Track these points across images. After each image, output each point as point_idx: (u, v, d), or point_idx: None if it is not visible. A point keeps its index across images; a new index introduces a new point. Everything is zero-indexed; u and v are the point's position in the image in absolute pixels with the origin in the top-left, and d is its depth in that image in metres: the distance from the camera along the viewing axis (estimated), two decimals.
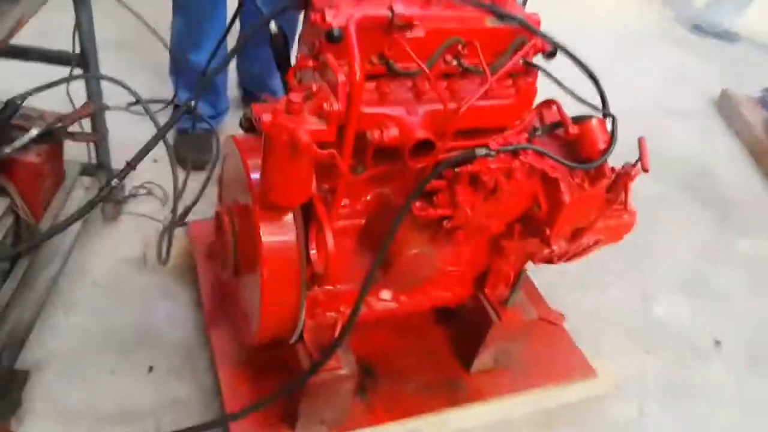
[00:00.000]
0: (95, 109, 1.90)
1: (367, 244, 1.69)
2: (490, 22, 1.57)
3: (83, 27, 1.88)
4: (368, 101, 1.45)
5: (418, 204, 1.58)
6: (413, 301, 1.92)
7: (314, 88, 1.37)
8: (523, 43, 1.57)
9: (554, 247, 1.92)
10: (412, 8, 1.45)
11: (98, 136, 2.01)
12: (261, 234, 1.48)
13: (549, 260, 2.15)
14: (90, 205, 1.51)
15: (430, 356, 2.08)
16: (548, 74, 1.62)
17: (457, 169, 1.54)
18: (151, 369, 2.03)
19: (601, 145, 1.60)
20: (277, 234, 1.49)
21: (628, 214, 2.12)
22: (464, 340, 2.05)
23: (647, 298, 2.74)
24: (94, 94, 2.02)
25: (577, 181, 1.66)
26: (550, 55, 1.70)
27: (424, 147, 1.45)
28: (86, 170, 2.22)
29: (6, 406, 1.65)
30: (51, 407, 1.87)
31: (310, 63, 1.46)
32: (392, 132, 1.43)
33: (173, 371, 2.04)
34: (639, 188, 1.81)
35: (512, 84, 1.63)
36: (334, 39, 1.33)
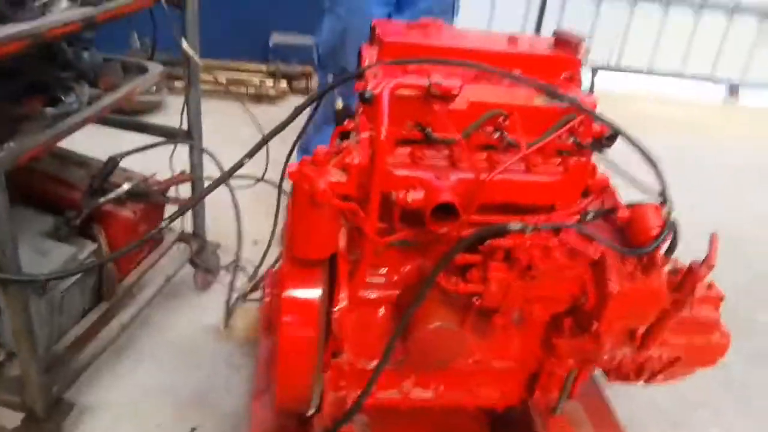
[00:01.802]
0: (191, 177, 2.10)
1: (398, 317, 1.64)
2: (540, 101, 1.56)
3: (191, 105, 2.14)
4: (400, 165, 1.48)
5: (447, 277, 1.52)
6: (452, 395, 1.79)
7: (344, 145, 1.43)
8: (570, 120, 1.53)
9: (616, 354, 1.74)
10: (453, 80, 1.49)
11: (189, 202, 2.21)
12: (283, 288, 1.51)
13: (623, 376, 1.94)
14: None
15: None
16: (603, 156, 1.55)
17: (490, 243, 1.49)
18: (193, 430, 2.05)
19: (654, 231, 1.46)
20: (299, 289, 1.50)
21: (720, 333, 1.89)
22: None
23: None
24: (194, 164, 2.24)
25: (628, 269, 1.51)
26: (610, 138, 1.64)
27: (447, 212, 1.42)
28: (183, 237, 2.42)
29: (46, 430, 1.75)
30: None
31: (351, 125, 1.53)
32: (417, 194, 1.43)
33: None
34: None
35: (560, 163, 1.57)
36: (365, 100, 1.40)
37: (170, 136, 2.19)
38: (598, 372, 1.95)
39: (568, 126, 1.51)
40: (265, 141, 1.66)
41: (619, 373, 1.91)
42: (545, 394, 1.77)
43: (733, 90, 6.20)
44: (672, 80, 6.07)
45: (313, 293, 1.51)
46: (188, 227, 2.48)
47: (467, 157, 1.46)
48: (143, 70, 2.06)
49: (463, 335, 1.54)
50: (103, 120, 1.97)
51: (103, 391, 2.15)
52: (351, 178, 1.37)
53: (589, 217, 1.57)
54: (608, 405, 2.19)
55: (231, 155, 1.58)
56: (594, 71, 1.78)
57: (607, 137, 1.63)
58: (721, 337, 1.90)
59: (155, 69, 2.07)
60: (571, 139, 1.56)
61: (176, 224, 2.43)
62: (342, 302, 1.46)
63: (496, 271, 1.51)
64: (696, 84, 6.07)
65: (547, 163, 1.56)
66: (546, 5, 5.66)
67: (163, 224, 1.58)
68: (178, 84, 4.07)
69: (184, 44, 1.99)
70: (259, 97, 4.42)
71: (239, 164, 1.61)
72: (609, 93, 5.81)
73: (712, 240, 1.63)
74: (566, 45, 1.73)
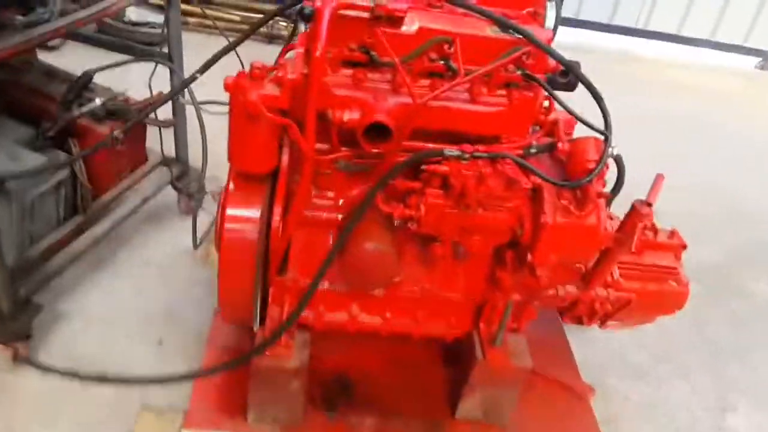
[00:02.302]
0: (167, 97, 2.14)
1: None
2: (492, 32, 1.55)
3: (171, 27, 2.17)
4: (340, 84, 1.49)
5: (386, 201, 1.55)
6: (399, 322, 1.82)
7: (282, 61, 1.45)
8: (515, 52, 1.51)
9: (560, 291, 1.76)
10: (398, 3, 1.49)
11: (170, 122, 2.26)
12: (225, 203, 1.55)
13: (577, 318, 1.95)
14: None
15: (420, 393, 1.95)
16: (545, 87, 1.53)
17: (426, 169, 1.50)
18: (161, 342, 2.14)
19: (590, 165, 1.46)
20: (240, 206, 1.55)
21: (678, 282, 1.88)
22: (455, 381, 1.89)
23: (722, 407, 2.30)
24: (174, 86, 2.28)
25: (563, 203, 1.51)
26: (563, 74, 1.62)
27: (382, 133, 1.44)
28: (165, 161, 2.48)
29: (14, 330, 1.85)
30: (63, 352, 2.05)
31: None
32: (353, 113, 1.44)
33: (179, 349, 2.13)
34: None
35: (506, 94, 1.56)
36: (305, 17, 1.41)
37: (150, 56, 2.23)
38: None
39: (511, 57, 1.49)
40: (216, 58, 1.69)
41: (572, 314, 1.93)
42: (490, 327, 1.79)
43: (765, 60, 5.94)
44: (702, 48, 5.83)
45: (252, 209, 1.55)
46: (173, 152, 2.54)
47: (406, 82, 1.46)
48: None
49: (396, 258, 1.56)
50: (81, 37, 2.01)
51: (80, 300, 2.25)
52: (284, 93, 1.39)
53: (533, 150, 1.56)
54: (567, 347, 2.23)
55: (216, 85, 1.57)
56: (558, 7, 1.71)
57: (561, 73, 1.62)
58: (678, 285, 1.89)
59: None
60: (519, 72, 1.55)
61: (159, 147, 2.52)
62: (277, 219, 1.50)
63: (432, 197, 1.53)
64: (726, 52, 5.82)
65: (491, 94, 1.55)
66: None
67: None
68: (192, 20, 4.11)
69: None
70: (272, 37, 4.42)
71: (192, 78, 1.65)
72: (636, 56, 5.65)
73: (656, 180, 1.61)
74: None
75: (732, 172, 3.89)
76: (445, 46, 1.50)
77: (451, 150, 1.48)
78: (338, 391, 1.89)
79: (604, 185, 1.59)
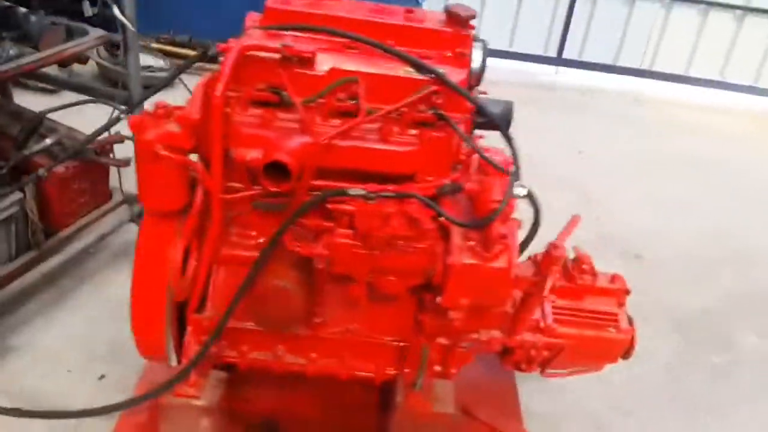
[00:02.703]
0: (123, 138, 2.21)
1: None
2: (404, 72, 1.55)
3: (130, 70, 2.25)
4: (247, 124, 1.50)
5: (293, 239, 1.54)
6: (326, 363, 1.79)
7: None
8: (425, 92, 1.51)
9: (483, 336, 1.71)
10: (308, 45, 1.51)
11: (127, 162, 2.31)
12: (138, 239, 1.57)
13: (516, 364, 1.89)
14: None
15: None
16: (452, 125, 1.52)
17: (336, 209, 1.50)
18: (102, 377, 2.15)
19: (494, 205, 1.43)
20: (151, 242, 1.56)
21: (617, 329, 1.81)
22: (383, 427, 1.84)
23: None
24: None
25: (470, 244, 1.48)
26: (477, 113, 1.61)
27: (282, 172, 1.43)
28: (127, 199, 2.53)
29: None
30: (8, 387, 2.07)
31: None
32: (254, 152, 1.45)
33: (120, 384, 2.13)
34: None
35: (418, 134, 1.55)
36: (209, 57, 1.44)
37: (110, 98, 2.30)
38: None
39: (417, 96, 1.49)
40: (144, 98, 1.73)
41: (510, 359, 1.87)
42: (415, 370, 1.74)
43: None
44: (710, 89, 5.75)
45: (163, 246, 1.56)
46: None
47: (311, 121, 1.47)
48: (84, 34, 2.17)
49: (301, 298, 1.54)
50: (40, 78, 2.09)
51: (34, 335, 2.29)
52: (184, 132, 1.41)
53: (446, 189, 1.54)
54: (514, 394, 2.15)
55: None
56: (485, 48, 1.71)
57: (475, 112, 1.61)
58: (617, 332, 1.82)
59: (95, 33, 2.17)
60: (431, 112, 1.54)
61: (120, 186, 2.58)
62: (175, 258, 1.51)
63: (339, 237, 1.52)
64: (736, 93, 5.73)
65: (403, 134, 1.55)
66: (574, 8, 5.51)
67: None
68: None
69: (116, 12, 2.08)
70: None
71: (117, 118, 1.70)
72: (642, 96, 5.60)
73: (571, 221, 1.57)
74: (457, 20, 1.70)
75: (739, 214, 3.79)
76: (354, 87, 1.52)
77: (355, 189, 1.47)
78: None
79: (519, 226, 1.56)
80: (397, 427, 1.71)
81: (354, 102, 1.52)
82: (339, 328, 1.76)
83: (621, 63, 5.72)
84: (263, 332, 1.75)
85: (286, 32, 1.58)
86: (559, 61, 5.64)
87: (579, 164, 4.18)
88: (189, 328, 1.69)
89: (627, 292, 1.88)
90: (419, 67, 1.54)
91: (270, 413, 1.91)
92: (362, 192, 1.47)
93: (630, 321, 1.88)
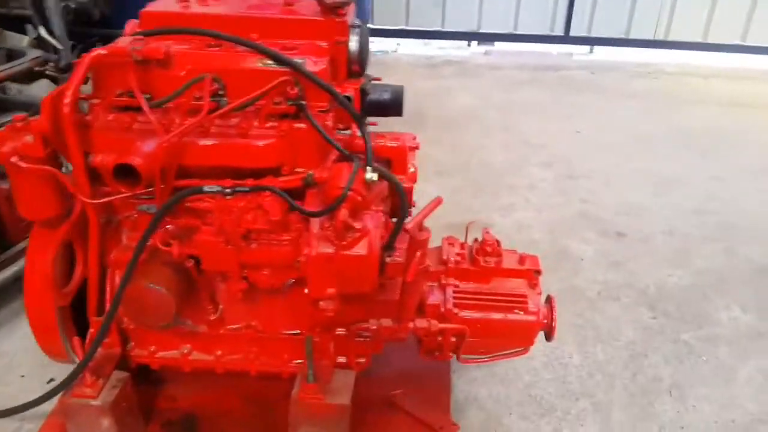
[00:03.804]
0: None
1: None
2: (262, 64, 1.55)
3: None
4: (108, 129, 1.53)
5: (162, 239, 1.57)
6: (233, 359, 1.81)
7: None
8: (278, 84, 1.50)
9: (374, 324, 1.68)
10: (159, 45, 1.52)
11: None
12: (27, 247, 1.63)
13: (430, 352, 1.86)
14: None
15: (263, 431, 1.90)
16: (307, 116, 1.50)
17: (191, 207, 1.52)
18: (50, 381, 2.25)
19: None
20: (34, 250, 1.62)
21: (524, 311, 1.75)
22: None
23: None
24: None
25: (327, 234, 1.46)
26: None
27: (133, 174, 1.46)
28: None
29: None
30: None
31: None
32: (107, 156, 1.48)
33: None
34: None
35: (278, 126, 1.54)
36: (62, 69, 1.48)
37: None
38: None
39: (268, 87, 1.48)
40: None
41: (423, 348, 1.85)
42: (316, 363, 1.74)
43: None
44: (731, 54, 5.42)
45: (46, 253, 1.62)
46: None
47: (159, 122, 1.48)
48: (22, 55, 2.27)
49: (169, 298, 1.55)
50: None
51: None
52: (37, 141, 1.46)
53: (308, 181, 1.53)
54: (445, 383, 2.11)
55: None
56: (363, 33, 1.66)
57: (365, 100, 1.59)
58: (526, 315, 1.76)
59: (32, 55, 2.27)
60: (291, 103, 1.53)
61: None
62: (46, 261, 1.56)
63: (205, 234, 1.53)
64: (760, 56, 5.37)
65: (262, 127, 1.54)
66: None
67: None
68: None
69: (42, 32, 2.17)
70: None
71: None
72: (656, 70, 5.35)
73: (432, 202, 1.53)
74: (327, 9, 1.68)
75: (732, 188, 3.57)
76: (212, 84, 1.52)
77: (210, 186, 1.48)
78: (181, 428, 1.89)
79: (388, 210, 1.53)
80: (293, 419, 1.71)
81: (215, 99, 1.53)
82: (240, 324, 1.78)
83: (633, 36, 5.48)
84: (169, 332, 1.79)
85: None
86: (566, 39, 5.46)
87: (574, 143, 4.04)
88: (90, 331, 1.75)
89: (538, 272, 1.82)
90: (276, 59, 1.53)
91: (189, 409, 1.94)
92: (217, 188, 1.48)
93: (550, 301, 1.82)
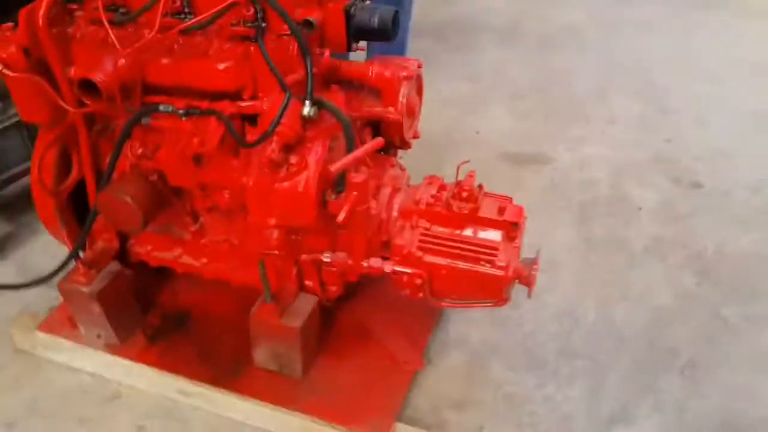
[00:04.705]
0: None
1: None
2: None
3: None
4: (85, 42, 1.59)
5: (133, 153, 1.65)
6: (217, 267, 1.92)
7: None
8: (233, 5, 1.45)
9: (326, 255, 1.69)
10: None
11: None
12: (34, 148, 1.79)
13: (405, 292, 1.83)
14: None
15: (242, 337, 2.01)
16: (259, 43, 1.45)
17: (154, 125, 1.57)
18: None
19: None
20: (39, 148, 1.77)
21: (491, 264, 1.66)
22: None
23: (613, 418, 1.93)
24: None
25: (267, 165, 1.45)
26: (307, 24, 1.51)
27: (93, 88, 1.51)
28: None
29: None
30: None
31: None
32: (76, 70, 1.55)
33: None
34: None
35: (236, 48, 1.51)
36: None
37: None
38: None
39: (217, 9, 1.44)
40: None
41: (396, 285, 1.82)
42: (278, 282, 1.79)
43: None
44: None
45: (39, 153, 1.76)
46: None
47: (110, 34, 1.50)
48: None
49: (134, 208, 1.63)
50: None
51: None
52: (18, 52, 1.55)
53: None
54: (429, 322, 2.09)
55: None
56: None
57: (304, 24, 1.51)
58: (491, 268, 1.67)
59: None
60: (246, 25, 1.49)
61: None
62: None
63: (167, 152, 1.59)
64: None
65: (223, 49, 1.52)
66: None
67: None
68: None
69: None
70: None
71: None
72: None
73: (372, 143, 1.45)
74: None
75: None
76: (177, 3, 1.51)
77: (166, 106, 1.52)
78: (173, 323, 2.06)
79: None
80: (252, 334, 1.80)
81: (179, 17, 1.53)
82: (220, 237, 1.87)
83: None
84: (162, 236, 1.93)
85: None
86: None
87: (680, 69, 3.55)
88: (95, 226, 1.92)
89: (513, 223, 1.68)
90: None
91: (186, 306, 2.11)
92: (172, 108, 1.51)
93: (535, 259, 1.69)
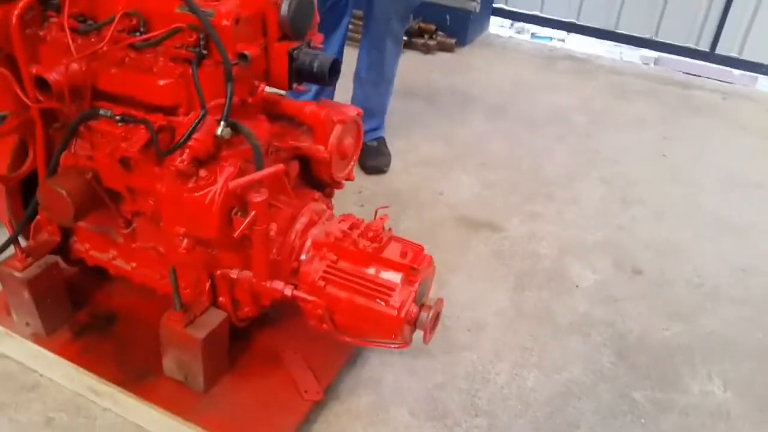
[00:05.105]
0: None
1: None
2: (179, 9, 1.68)
3: None
4: (50, 45, 1.76)
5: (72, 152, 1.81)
6: (144, 273, 2.03)
7: None
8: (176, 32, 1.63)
9: (233, 271, 1.80)
10: None
11: None
12: None
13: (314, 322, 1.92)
14: None
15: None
16: (193, 62, 1.61)
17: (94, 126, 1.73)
18: None
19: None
20: None
21: (386, 303, 1.75)
22: None
23: None
24: None
25: (178, 175, 1.59)
26: (242, 57, 1.67)
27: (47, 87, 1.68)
28: None
29: None
30: None
31: None
32: (37, 68, 1.72)
33: None
34: None
35: (177, 69, 1.67)
36: None
37: None
38: None
39: (161, 33, 1.61)
40: None
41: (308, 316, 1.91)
42: (193, 292, 1.89)
43: None
44: None
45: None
46: None
47: (67, 39, 1.66)
48: None
49: (67, 201, 1.77)
50: None
51: None
52: None
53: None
54: (338, 359, 2.16)
55: None
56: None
57: (239, 57, 1.68)
58: (386, 307, 1.76)
59: None
60: (191, 50, 1.65)
61: None
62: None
63: (100, 154, 1.74)
64: None
65: (165, 67, 1.68)
66: None
67: None
68: None
69: None
70: None
71: None
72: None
73: (273, 169, 1.57)
74: None
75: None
76: (134, 20, 1.69)
77: (105, 111, 1.68)
78: (101, 323, 2.16)
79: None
80: (162, 340, 1.89)
81: (133, 34, 1.70)
82: (148, 244, 1.99)
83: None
84: (98, 235, 2.05)
85: None
86: (711, 57, 4.86)
87: (653, 167, 3.67)
88: (38, 218, 2.06)
89: (414, 269, 1.78)
90: (188, 5, 1.65)
91: (115, 307, 2.21)
92: (110, 113, 1.67)
93: (436, 305, 1.79)
